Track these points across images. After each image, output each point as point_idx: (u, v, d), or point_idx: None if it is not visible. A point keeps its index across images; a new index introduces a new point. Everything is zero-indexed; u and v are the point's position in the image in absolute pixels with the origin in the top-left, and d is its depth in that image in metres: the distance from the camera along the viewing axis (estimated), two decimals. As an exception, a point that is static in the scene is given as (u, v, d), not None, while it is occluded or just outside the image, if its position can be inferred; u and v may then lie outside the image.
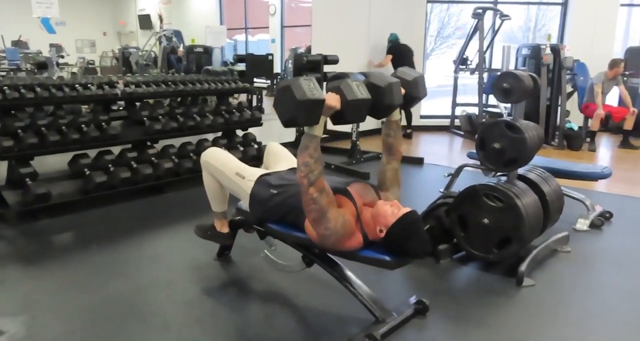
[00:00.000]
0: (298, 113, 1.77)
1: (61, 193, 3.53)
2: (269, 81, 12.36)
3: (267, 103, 8.92)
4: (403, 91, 2.13)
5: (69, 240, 3.10)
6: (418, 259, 1.91)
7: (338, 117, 1.93)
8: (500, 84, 2.67)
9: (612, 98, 7.13)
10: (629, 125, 6.56)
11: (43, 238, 3.10)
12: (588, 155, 6.25)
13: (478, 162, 4.10)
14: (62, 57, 12.33)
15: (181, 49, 11.77)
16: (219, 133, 4.83)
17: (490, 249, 2.63)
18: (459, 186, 4.39)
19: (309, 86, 1.79)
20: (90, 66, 12.93)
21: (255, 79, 7.41)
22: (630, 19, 10.04)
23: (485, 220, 2.61)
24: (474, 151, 4.22)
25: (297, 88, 1.75)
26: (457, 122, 7.50)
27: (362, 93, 1.94)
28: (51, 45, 12.46)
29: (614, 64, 6.61)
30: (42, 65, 6.93)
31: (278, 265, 2.50)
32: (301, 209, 1.98)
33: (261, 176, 2.31)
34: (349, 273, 2.22)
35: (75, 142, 3.61)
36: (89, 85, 3.82)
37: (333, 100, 1.86)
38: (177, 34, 12.32)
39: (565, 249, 3.02)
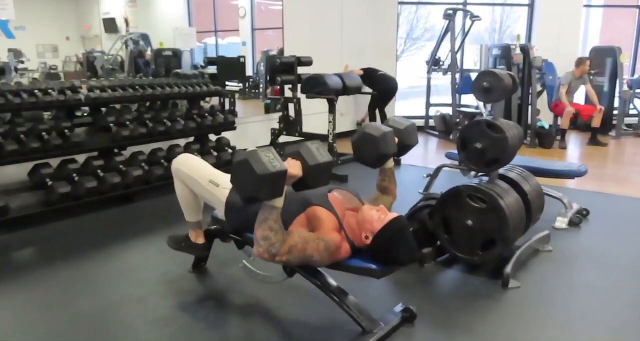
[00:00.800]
0: (260, 189, 1.63)
1: (21, 206, 3.32)
2: (241, 84, 12.21)
3: (240, 106, 8.78)
4: (396, 140, 2.19)
5: (31, 256, 2.91)
6: (405, 267, 1.83)
7: (300, 184, 1.79)
8: (480, 83, 2.62)
9: (579, 96, 7.25)
10: (596, 122, 6.67)
11: (2, 255, 2.89)
12: (559, 152, 6.33)
13: (457, 162, 4.10)
14: (22, 62, 11.89)
15: (149, 52, 11.50)
16: (192, 139, 4.67)
17: (475, 251, 2.56)
18: (438, 187, 4.35)
19: (268, 158, 1.65)
20: (52, 71, 12.51)
21: (227, 83, 7.24)
22: (589, 20, 10.30)
23: (469, 222, 2.55)
24: (452, 151, 4.21)
25: (256, 163, 1.61)
26: (431, 122, 7.51)
27: (323, 156, 1.82)
28: (9, 51, 12.01)
29: (580, 62, 6.72)
30: (2, 71, 6.60)
31: (258, 276, 2.38)
32: (283, 219, 1.87)
33: (237, 184, 2.19)
34: (333, 282, 2.11)
35: (36, 151, 3.40)
36: (49, 91, 3.62)
37: (294, 168, 1.72)
38: (145, 37, 12.00)
39: (547, 248, 3.00)
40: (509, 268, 2.52)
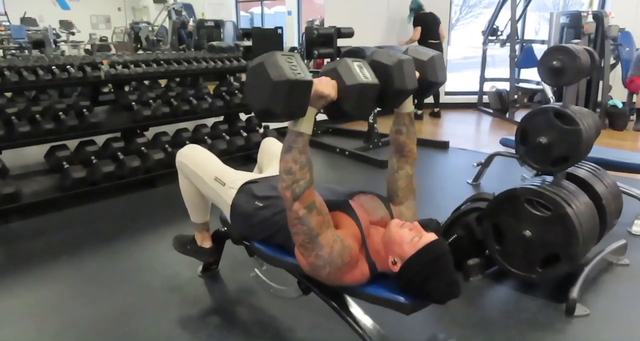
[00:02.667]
0: (275, 100, 1.28)
1: (35, 191, 3.13)
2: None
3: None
4: (417, 74, 1.61)
5: (37, 248, 2.69)
6: (442, 304, 1.44)
7: (334, 111, 1.43)
8: (549, 62, 2.11)
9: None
10: (680, 101, 5.85)
11: (7, 246, 2.70)
12: (633, 135, 5.61)
13: (513, 150, 3.58)
14: (73, 33, 11.96)
15: (191, 23, 11.25)
16: (221, 118, 4.36)
17: (533, 267, 2.12)
18: (490, 177, 3.88)
19: (289, 63, 1.30)
20: (102, 43, 12.52)
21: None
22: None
23: (527, 232, 2.10)
24: (508, 137, 3.68)
25: (272, 66, 1.27)
26: (485, 98, 6.86)
27: (367, 77, 1.43)
28: (61, 22, 12.08)
29: (665, 32, 5.86)
30: (39, 43, 6.50)
31: (270, 288, 2.04)
32: None
33: (246, 183, 1.84)
34: (354, 306, 1.75)
35: (50, 132, 3.19)
36: (67, 67, 3.37)
37: (326, 86, 1.36)
38: (188, 7, 11.77)
39: (623, 261, 2.50)
40: (575, 291, 2.06)
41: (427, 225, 2.56)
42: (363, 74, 1.43)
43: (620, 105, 5.92)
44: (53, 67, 3.32)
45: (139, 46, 12.02)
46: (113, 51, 11.39)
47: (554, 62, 2.09)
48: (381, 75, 1.49)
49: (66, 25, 11.92)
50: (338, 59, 1.46)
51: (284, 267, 1.74)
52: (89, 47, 11.49)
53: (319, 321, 1.96)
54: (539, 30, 11.18)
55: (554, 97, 2.92)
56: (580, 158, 2.14)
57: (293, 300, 1.93)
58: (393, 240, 1.45)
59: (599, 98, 5.87)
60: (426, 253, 1.39)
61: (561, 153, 2.10)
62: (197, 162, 1.97)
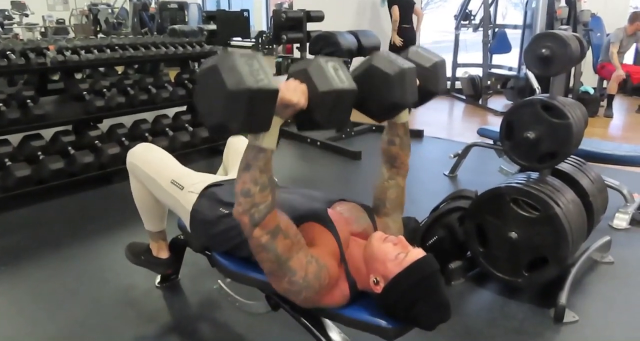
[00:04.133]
0: (232, 113, 1.04)
1: (-27, 192, 2.82)
2: (253, 41, 11.41)
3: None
4: (418, 82, 1.42)
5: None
6: (430, 330, 1.26)
7: (304, 121, 1.21)
8: (537, 50, 1.94)
9: (629, 56, 6.38)
10: (650, 86, 5.86)
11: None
12: (604, 121, 5.58)
13: (490, 141, 3.45)
14: (27, 16, 11.25)
15: (153, 5, 10.74)
16: (184, 108, 4.08)
17: (519, 271, 1.98)
18: (466, 168, 3.75)
19: (250, 67, 1.06)
20: (60, 25, 11.85)
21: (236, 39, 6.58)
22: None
23: (513, 234, 1.96)
24: (486, 127, 3.55)
25: (229, 71, 1.02)
26: (458, 84, 6.74)
27: (344, 80, 1.21)
28: (13, 3, 11.34)
29: (635, 17, 5.82)
30: (-17, 27, 6.00)
31: (236, 302, 1.84)
32: None
33: (208, 187, 1.62)
34: (329, 323, 1.56)
35: (-12, 126, 2.87)
36: (7, 53, 3.04)
37: (295, 92, 1.13)
38: (150, -12, 11.23)
39: (607, 259, 2.39)
40: (563, 297, 1.93)
41: (406, 224, 2.41)
42: (339, 77, 1.20)
43: (591, 92, 5.89)
44: (-9, 54, 2.99)
45: (98, 29, 11.43)
46: (71, 35, 10.79)
47: (543, 50, 1.92)
48: (378, 84, 1.29)
49: (18, 6, 11.20)
50: (309, 57, 1.23)
51: (251, 285, 1.53)
52: (42, 30, 10.87)
53: (289, 338, 1.77)
54: (506, 14, 11.15)
55: (539, 88, 2.78)
56: (569, 154, 2.00)
57: (261, 315, 1.74)
58: (375, 256, 1.27)
59: (571, 84, 5.83)
60: (413, 272, 1.21)
61: (549, 148, 1.95)
62: (151, 163, 1.73)
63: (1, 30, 7.04)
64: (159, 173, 1.70)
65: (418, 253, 1.24)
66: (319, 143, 4.33)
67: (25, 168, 2.91)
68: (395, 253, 1.24)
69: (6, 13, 10.70)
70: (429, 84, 1.47)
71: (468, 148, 3.52)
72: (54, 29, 11.17)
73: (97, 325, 1.87)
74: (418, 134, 4.74)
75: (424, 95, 1.48)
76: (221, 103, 1.03)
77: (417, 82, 1.41)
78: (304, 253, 1.24)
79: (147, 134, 3.57)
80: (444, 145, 4.41)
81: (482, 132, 3.42)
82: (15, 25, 10.56)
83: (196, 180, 1.65)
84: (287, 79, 1.19)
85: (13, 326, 1.87)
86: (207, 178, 1.66)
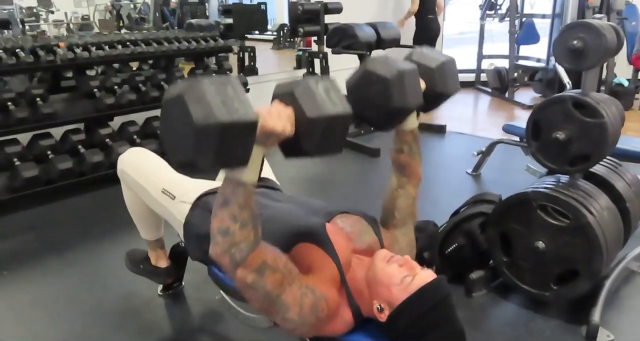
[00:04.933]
0: (201, 151, 0.89)
1: (-19, 193, 2.78)
2: (273, 34, 11.29)
3: (274, 58, 7.92)
4: (423, 85, 1.29)
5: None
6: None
7: (291, 148, 1.06)
8: (569, 42, 1.76)
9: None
10: (688, 78, 5.51)
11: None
12: (639, 115, 5.28)
13: (517, 138, 3.25)
14: (52, 12, 11.37)
15: (174, -1, 10.71)
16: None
17: (547, 284, 1.82)
18: (491, 166, 3.55)
19: (223, 95, 0.90)
20: (85, 21, 11.96)
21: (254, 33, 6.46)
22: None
23: (540, 244, 1.79)
24: (512, 123, 3.35)
25: (196, 102, 0.87)
26: (483, 76, 6.49)
27: (336, 103, 1.05)
28: (39, 0, 11.48)
29: (675, 3, 5.49)
30: (4, 24, 6.01)
31: (239, 315, 1.73)
32: None
33: (202, 196, 1.49)
34: None
35: (-4, 125, 2.82)
36: (17, 51, 2.98)
37: (279, 119, 0.98)
38: (170, -18, 11.19)
39: (645, 269, 2.20)
40: (596, 314, 1.76)
41: (423, 228, 2.26)
42: (331, 100, 1.04)
43: (626, 84, 5.58)
44: (-1, 51, 2.94)
45: (121, 25, 11.49)
46: (96, 30, 10.86)
47: (575, 42, 1.74)
48: (376, 90, 1.16)
49: (45, 2, 11.33)
50: (296, 78, 1.08)
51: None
52: (70, 26, 10.95)
53: (295, 355, 1.65)
54: (534, 3, 10.74)
55: (570, 83, 2.58)
56: (604, 156, 1.82)
57: (263, 330, 1.62)
58: (378, 280, 1.13)
59: (604, 76, 5.53)
60: (421, 299, 1.07)
61: (581, 150, 1.77)
62: (140, 171, 1.61)
63: (24, 27, 7.04)
64: (150, 181, 1.58)
65: (427, 276, 1.10)
66: (336, 139, 4.18)
67: (33, 168, 2.85)
68: (401, 277, 1.10)
69: (34, 10, 10.82)
70: (437, 85, 1.32)
71: (493, 145, 3.33)
72: (79, 25, 11.27)
73: (94, 337, 1.78)
74: (440, 129, 4.56)
75: (434, 98, 1.34)
76: (189, 139, 0.88)
77: (423, 84, 1.28)
78: (297, 285, 1.10)
79: (159, 132, 3.48)
80: (467, 141, 4.22)
81: (507, 129, 3.22)
82: (42, 21, 10.69)
83: (188, 189, 1.52)
84: (272, 100, 1.05)
85: (10, 334, 1.79)
86: (201, 186, 1.52)
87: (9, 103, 2.93)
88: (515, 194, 1.87)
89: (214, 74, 3.79)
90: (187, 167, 0.94)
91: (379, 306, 1.12)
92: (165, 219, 1.59)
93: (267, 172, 1.73)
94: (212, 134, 0.87)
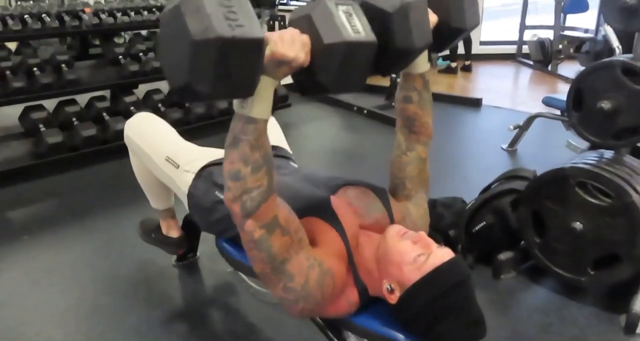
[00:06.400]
0: (199, 71, 0.80)
1: (7, 158, 2.79)
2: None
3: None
4: (433, 18, 1.11)
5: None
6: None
7: (306, 82, 0.96)
8: (622, -2, 1.56)
9: None
10: None
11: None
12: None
13: (557, 111, 3.03)
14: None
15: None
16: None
17: (583, 268, 1.67)
18: (528, 142, 3.34)
19: (225, 7, 0.80)
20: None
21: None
22: None
23: (578, 224, 1.64)
24: (552, 96, 3.13)
25: (194, 13, 0.77)
26: (525, 48, 6.14)
27: (359, 30, 0.92)
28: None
29: None
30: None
31: (250, 288, 1.66)
32: None
33: (207, 166, 1.40)
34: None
35: (20, 91, 2.80)
36: (42, 16, 2.95)
37: (292, 46, 0.87)
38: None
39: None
40: (638, 302, 1.60)
41: (450, 205, 2.13)
42: (352, 25, 0.92)
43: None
44: (25, 16, 2.91)
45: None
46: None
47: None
48: (377, 27, 0.98)
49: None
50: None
51: (256, 277, 1.34)
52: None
53: (303, 333, 1.57)
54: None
55: (620, 47, 2.34)
56: (655, 130, 1.63)
57: (274, 305, 1.55)
58: (389, 258, 1.02)
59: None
60: (436, 280, 0.96)
61: (629, 122, 1.60)
62: (145, 137, 1.53)
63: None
64: (154, 149, 1.50)
65: (443, 254, 0.98)
66: (365, 111, 4.05)
67: (58, 134, 2.84)
68: (415, 255, 0.99)
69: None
70: (452, 18, 1.13)
71: (531, 119, 3.12)
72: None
73: (106, 306, 1.76)
74: (475, 103, 4.34)
75: (448, 34, 1.15)
76: (185, 57, 0.79)
77: (434, 17, 1.11)
78: (305, 255, 1.01)
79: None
80: (504, 116, 4.01)
81: (547, 101, 3.00)
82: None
83: (195, 157, 1.44)
84: (289, 25, 0.94)
85: (23, 300, 1.79)
86: (209, 154, 1.44)
87: (35, 68, 2.92)
88: (551, 170, 1.72)
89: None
90: (185, 93, 0.84)
91: (388, 287, 1.02)
92: (171, 188, 1.52)
93: (278, 139, 1.63)
94: (211, 51, 0.77)
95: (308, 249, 1.03)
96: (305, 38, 0.90)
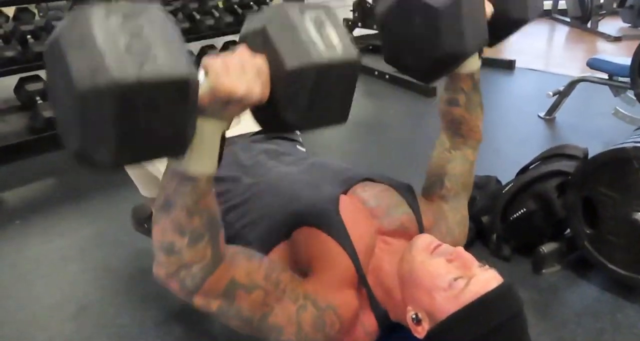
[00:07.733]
0: (92, 135, 0.55)
1: (2, 133, 2.63)
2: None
3: None
4: (489, 9, 0.91)
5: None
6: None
7: (269, 119, 0.70)
8: None
9: None
10: None
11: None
12: None
13: (605, 75, 2.69)
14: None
15: None
16: (233, 37, 3.62)
17: (643, 266, 1.42)
18: (568, 109, 3.00)
19: (128, 35, 0.53)
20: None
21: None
22: None
23: (639, 215, 1.37)
24: (599, 57, 2.77)
25: (78, 48, 0.51)
26: (562, 4, 5.67)
27: (332, 44, 0.65)
28: None
29: None
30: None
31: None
32: (253, 237, 0.90)
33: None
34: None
35: (14, 61, 2.60)
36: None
37: (242, 75, 0.61)
38: None
39: None
40: None
41: (483, 185, 1.87)
42: (324, 39, 0.65)
43: None
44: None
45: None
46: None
47: None
48: (418, 25, 0.77)
49: None
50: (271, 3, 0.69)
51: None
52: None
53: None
54: None
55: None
56: None
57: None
58: (416, 279, 0.79)
59: None
60: (482, 314, 0.73)
61: None
62: None
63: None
64: None
65: (488, 279, 0.75)
66: (387, 76, 3.75)
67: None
68: (450, 278, 0.76)
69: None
70: (512, 7, 0.95)
71: (574, 83, 2.79)
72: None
73: (96, 302, 1.59)
74: (508, 65, 3.99)
75: (505, 27, 0.97)
76: (73, 114, 0.54)
77: (490, 7, 0.91)
78: (290, 297, 0.80)
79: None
80: (540, 79, 3.67)
81: (593, 64, 2.66)
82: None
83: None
84: (239, 42, 0.67)
85: (5, 297, 1.63)
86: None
87: (28, 36, 2.71)
88: (609, 150, 1.44)
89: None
90: (83, 160, 0.60)
91: (414, 316, 0.80)
92: (157, 176, 1.30)
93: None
94: (106, 104, 0.52)
95: (294, 286, 0.81)
96: (261, 62, 0.63)
